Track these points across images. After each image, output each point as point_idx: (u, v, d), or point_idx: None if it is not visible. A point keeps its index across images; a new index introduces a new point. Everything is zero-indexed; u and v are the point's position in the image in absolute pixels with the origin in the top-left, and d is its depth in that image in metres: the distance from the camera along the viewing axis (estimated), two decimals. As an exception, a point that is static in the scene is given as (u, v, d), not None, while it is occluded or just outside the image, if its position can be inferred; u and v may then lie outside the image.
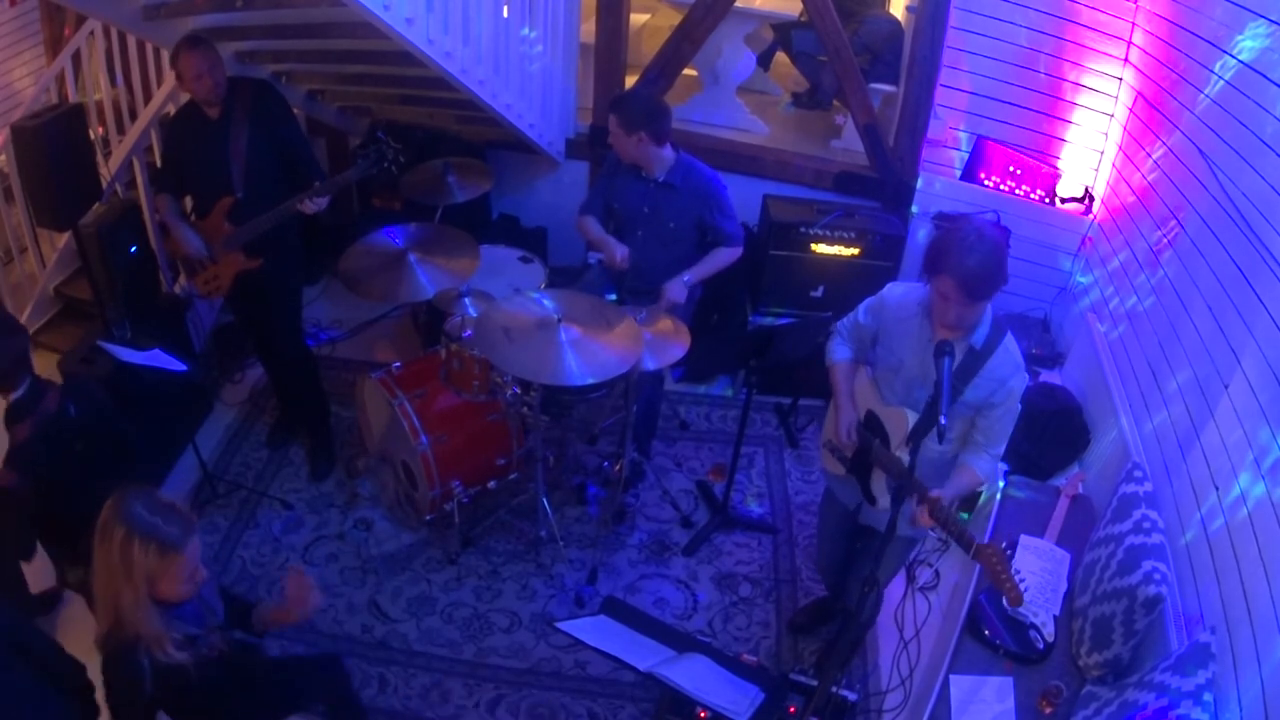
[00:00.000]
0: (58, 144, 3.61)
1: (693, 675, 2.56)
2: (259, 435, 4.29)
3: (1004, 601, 2.98)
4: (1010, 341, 2.58)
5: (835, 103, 5.18)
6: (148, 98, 4.51)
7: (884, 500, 2.79)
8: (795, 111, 5.49)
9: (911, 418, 2.62)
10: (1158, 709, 2.36)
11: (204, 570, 2.14)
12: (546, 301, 3.32)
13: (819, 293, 4.53)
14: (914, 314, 2.63)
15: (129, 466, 2.80)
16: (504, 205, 5.33)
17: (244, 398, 4.50)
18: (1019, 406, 2.61)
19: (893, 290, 2.76)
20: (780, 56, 5.33)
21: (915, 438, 2.36)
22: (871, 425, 2.79)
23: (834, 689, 2.65)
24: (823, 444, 3.01)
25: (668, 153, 3.59)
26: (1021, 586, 2.38)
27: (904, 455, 2.58)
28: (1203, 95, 3.49)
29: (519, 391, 3.49)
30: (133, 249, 4.00)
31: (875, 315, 2.77)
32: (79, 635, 3.29)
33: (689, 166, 3.63)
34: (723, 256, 3.72)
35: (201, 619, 2.25)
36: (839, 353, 2.89)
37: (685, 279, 3.66)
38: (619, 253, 3.63)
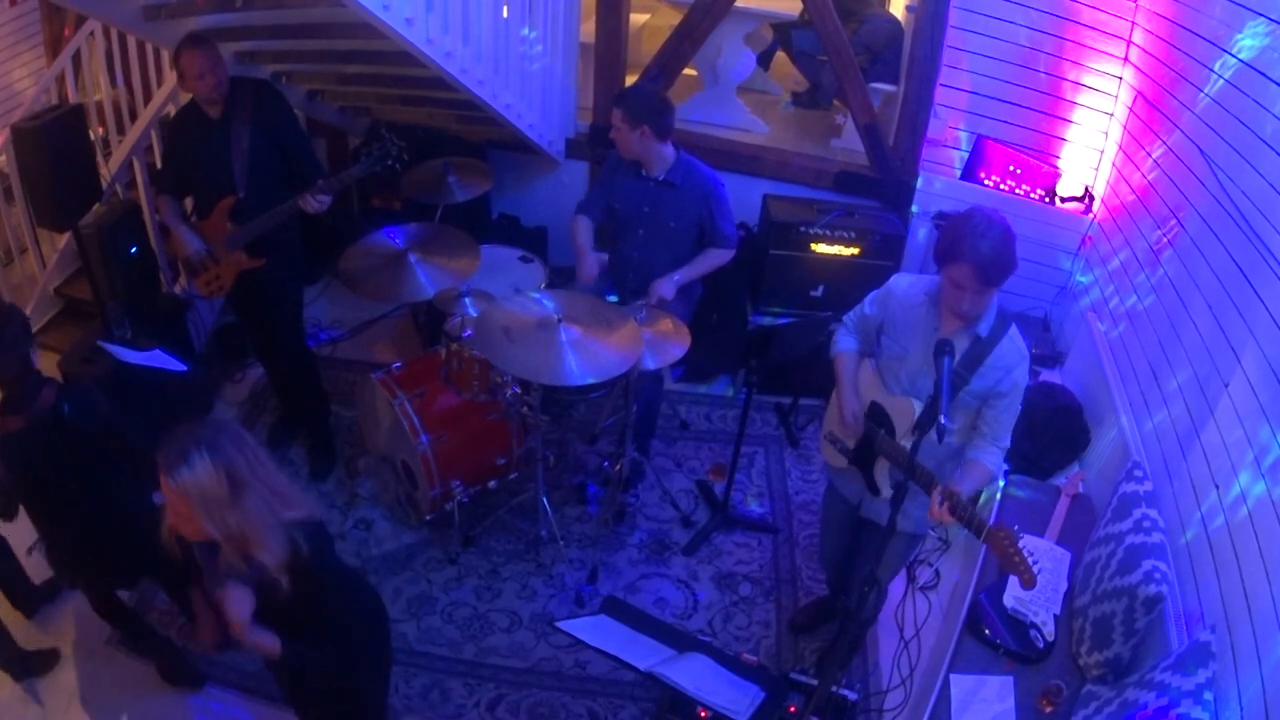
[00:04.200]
0: (58, 144, 3.61)
1: (693, 675, 2.56)
2: (259, 435, 4.27)
3: (1004, 595, 3.01)
4: (1015, 332, 2.59)
5: (835, 102, 5.18)
6: (148, 98, 4.52)
7: (887, 490, 2.80)
8: (795, 111, 5.49)
9: (917, 407, 2.62)
10: (1158, 708, 2.35)
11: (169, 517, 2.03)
12: (546, 302, 3.32)
13: (819, 292, 4.53)
14: (921, 303, 2.64)
15: (125, 479, 2.76)
16: (504, 205, 5.33)
17: (244, 398, 4.50)
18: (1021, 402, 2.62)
19: (899, 281, 2.77)
20: (780, 56, 5.33)
21: (920, 429, 2.37)
22: (876, 415, 2.79)
23: (834, 688, 2.66)
24: (824, 436, 3.01)
25: (669, 150, 3.59)
26: (1035, 569, 2.38)
27: (908, 445, 2.58)
28: (1203, 94, 3.49)
29: (519, 391, 3.50)
30: (133, 249, 4.00)
31: (881, 305, 2.78)
32: (82, 627, 3.33)
33: (690, 166, 3.63)
34: (714, 258, 3.73)
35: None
36: (844, 344, 2.90)
37: (675, 278, 3.67)
38: (590, 271, 3.65)
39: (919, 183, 4.76)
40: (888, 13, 5.16)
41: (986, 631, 2.96)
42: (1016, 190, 4.66)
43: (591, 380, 3.13)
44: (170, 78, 4.23)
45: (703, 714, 2.58)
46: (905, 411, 2.68)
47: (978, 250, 2.36)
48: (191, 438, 1.93)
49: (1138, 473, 3.17)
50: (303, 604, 2.06)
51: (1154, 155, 3.92)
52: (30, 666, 3.16)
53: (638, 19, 5.57)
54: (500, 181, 4.79)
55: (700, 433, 4.55)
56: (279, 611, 2.07)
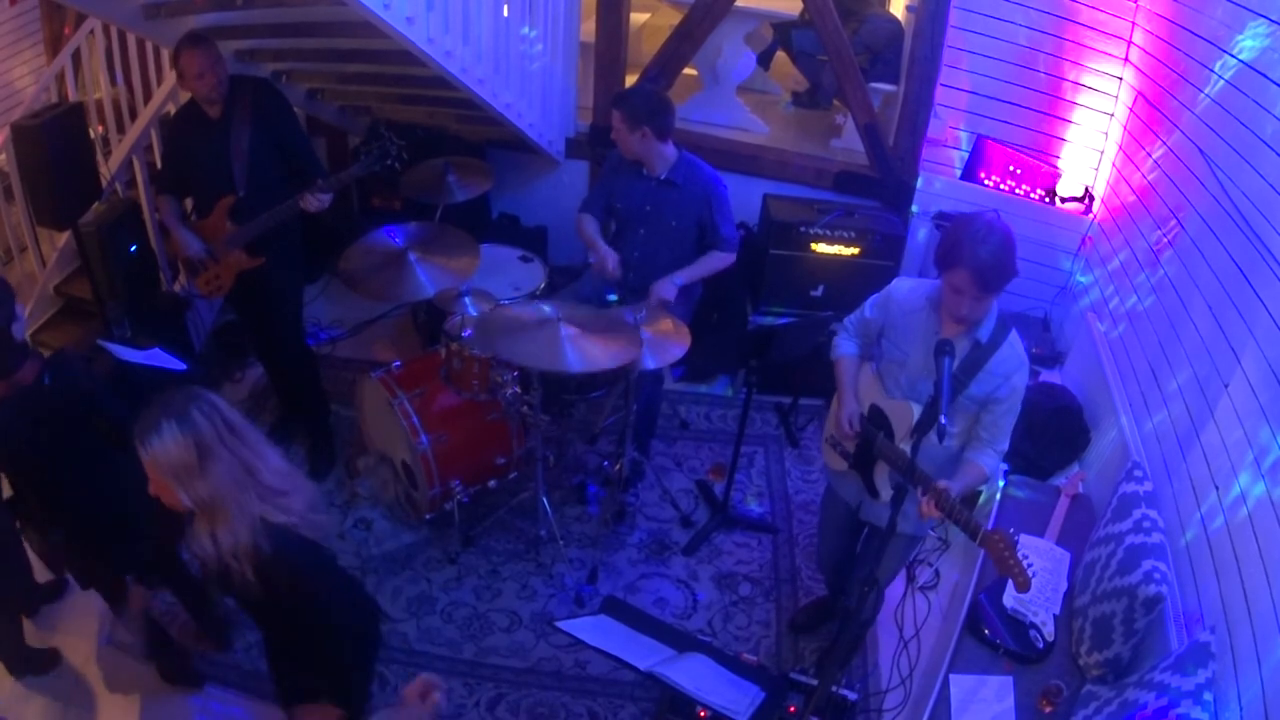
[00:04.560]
0: (58, 143, 3.61)
1: (693, 674, 2.56)
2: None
3: (1004, 596, 3.01)
4: (1015, 337, 2.59)
5: (835, 102, 5.18)
6: (148, 97, 4.51)
7: (886, 493, 2.80)
8: (795, 111, 5.49)
9: (916, 410, 2.62)
10: (1158, 708, 2.36)
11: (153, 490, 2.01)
12: (546, 307, 3.33)
13: (819, 292, 4.53)
14: (921, 308, 2.64)
15: (115, 463, 2.68)
16: (504, 204, 5.33)
17: (244, 397, 4.50)
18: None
19: (900, 285, 2.77)
20: (780, 56, 5.33)
21: (919, 431, 2.37)
22: (875, 418, 2.79)
23: (834, 688, 2.66)
24: (825, 439, 3.01)
25: (670, 150, 3.59)
26: (1030, 572, 2.38)
27: (908, 448, 2.59)
28: (1203, 95, 3.49)
29: (519, 391, 3.49)
30: (133, 248, 3.99)
31: (882, 310, 2.79)
32: (82, 627, 3.33)
33: (692, 165, 3.63)
34: (715, 260, 3.72)
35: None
36: (844, 347, 2.90)
37: (676, 280, 3.66)
38: (610, 261, 3.65)
39: (919, 183, 4.76)
40: (888, 13, 5.16)
41: (986, 631, 2.96)
42: (1016, 190, 4.66)
43: (590, 368, 3.13)
44: (170, 76, 4.23)
45: (702, 714, 2.58)
46: (904, 415, 2.69)
47: (977, 256, 2.36)
48: (163, 407, 1.95)
49: (1138, 473, 3.17)
50: (276, 603, 2.06)
51: (1154, 155, 3.92)
52: (30, 665, 3.16)
53: (638, 19, 5.57)
54: (500, 181, 4.78)
55: (700, 432, 4.55)
56: (253, 604, 2.08)
